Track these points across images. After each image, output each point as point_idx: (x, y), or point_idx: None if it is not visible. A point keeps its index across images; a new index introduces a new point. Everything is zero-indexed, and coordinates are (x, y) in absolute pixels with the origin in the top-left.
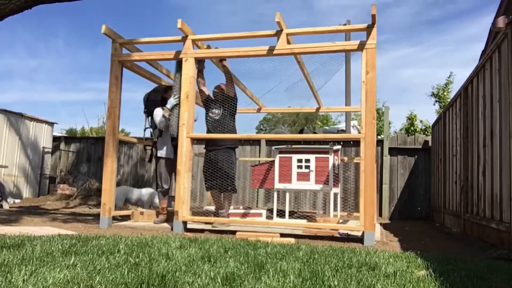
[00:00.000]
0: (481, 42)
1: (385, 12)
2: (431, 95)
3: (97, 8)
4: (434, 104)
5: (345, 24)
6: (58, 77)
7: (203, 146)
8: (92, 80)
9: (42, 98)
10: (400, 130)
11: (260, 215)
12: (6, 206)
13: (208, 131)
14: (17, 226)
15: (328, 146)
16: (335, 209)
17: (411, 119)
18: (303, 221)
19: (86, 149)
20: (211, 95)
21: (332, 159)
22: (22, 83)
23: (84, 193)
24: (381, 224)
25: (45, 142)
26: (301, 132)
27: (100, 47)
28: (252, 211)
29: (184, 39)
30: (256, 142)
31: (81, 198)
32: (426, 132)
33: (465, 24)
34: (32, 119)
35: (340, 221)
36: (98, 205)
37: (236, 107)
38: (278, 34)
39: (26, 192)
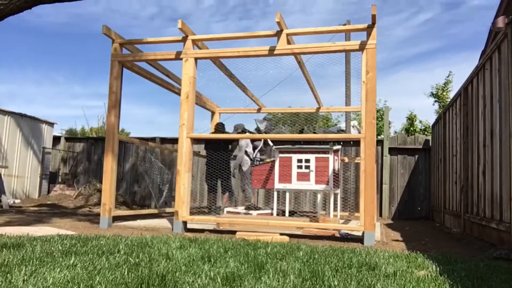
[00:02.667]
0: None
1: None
2: (430, 95)
3: (94, 48)
4: (433, 104)
5: (345, 24)
6: (53, 97)
7: (203, 146)
8: (81, 100)
9: (38, 112)
10: (401, 130)
11: (270, 214)
12: (6, 205)
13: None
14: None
15: (328, 146)
16: (335, 209)
17: (411, 119)
18: (303, 221)
19: (86, 149)
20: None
21: (332, 159)
22: (20, 101)
23: (84, 193)
24: (381, 224)
25: (45, 142)
26: (301, 132)
27: (91, 80)
28: (262, 211)
29: (184, 39)
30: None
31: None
32: (426, 132)
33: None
34: (32, 119)
35: (341, 221)
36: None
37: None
38: (278, 34)
39: (26, 192)
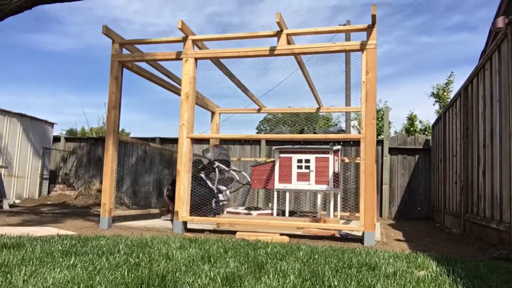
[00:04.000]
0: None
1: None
2: (431, 95)
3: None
4: (434, 104)
5: (345, 24)
6: (52, 104)
7: (206, 145)
8: (79, 108)
9: (37, 115)
10: (401, 130)
11: (270, 214)
12: (6, 205)
13: None
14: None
15: (328, 146)
16: (335, 209)
17: (411, 119)
18: (303, 221)
19: (86, 150)
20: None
21: (332, 159)
22: (18, 107)
23: (85, 193)
24: (382, 224)
25: (45, 142)
26: (301, 132)
27: (89, 94)
28: (262, 211)
29: (184, 39)
30: (256, 142)
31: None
32: (426, 132)
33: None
34: (32, 119)
35: (342, 221)
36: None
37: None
38: (278, 34)
39: (26, 192)
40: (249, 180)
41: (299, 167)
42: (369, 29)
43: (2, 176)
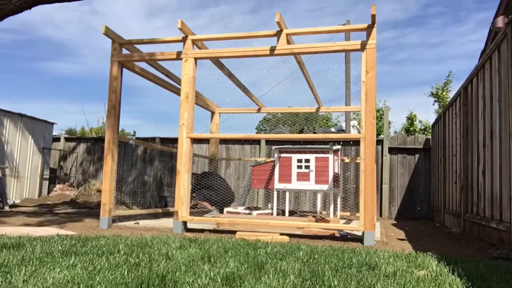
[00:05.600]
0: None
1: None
2: (430, 95)
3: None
4: (433, 104)
5: (344, 24)
6: (44, 110)
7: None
8: (74, 114)
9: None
10: (401, 130)
11: (270, 214)
12: (6, 206)
13: None
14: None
15: (328, 146)
16: (335, 209)
17: (410, 119)
18: (304, 221)
19: (86, 150)
20: None
21: (332, 159)
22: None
23: (84, 193)
24: (381, 224)
25: (45, 142)
26: (301, 132)
27: (84, 101)
28: (262, 211)
29: (184, 39)
30: (256, 142)
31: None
32: (425, 132)
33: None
34: (32, 119)
35: (342, 221)
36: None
37: None
38: (278, 34)
39: (26, 192)
40: None
41: (299, 167)
42: (368, 29)
43: (2, 177)
